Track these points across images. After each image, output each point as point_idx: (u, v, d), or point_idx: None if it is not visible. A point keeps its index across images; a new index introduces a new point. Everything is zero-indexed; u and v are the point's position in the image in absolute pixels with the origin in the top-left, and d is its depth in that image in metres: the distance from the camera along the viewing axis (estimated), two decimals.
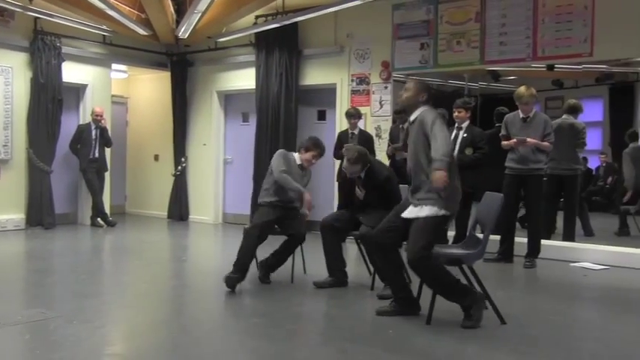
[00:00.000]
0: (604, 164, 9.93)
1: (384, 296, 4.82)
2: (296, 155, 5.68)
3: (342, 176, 7.94)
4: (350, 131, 7.98)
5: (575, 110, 7.40)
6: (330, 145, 8.43)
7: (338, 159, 8.05)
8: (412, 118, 4.38)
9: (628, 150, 8.33)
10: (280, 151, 5.75)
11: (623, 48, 6.78)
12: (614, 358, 3.65)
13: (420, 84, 4.47)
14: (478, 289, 4.31)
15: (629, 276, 6.19)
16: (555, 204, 7.39)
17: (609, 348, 3.82)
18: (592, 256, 6.76)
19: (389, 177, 5.30)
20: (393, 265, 4.48)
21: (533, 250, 6.61)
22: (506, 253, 6.72)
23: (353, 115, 7.95)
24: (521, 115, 6.59)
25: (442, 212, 4.15)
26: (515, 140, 6.48)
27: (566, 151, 7.14)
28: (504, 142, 6.64)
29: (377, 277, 5.13)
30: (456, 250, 4.51)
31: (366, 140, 7.84)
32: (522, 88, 6.59)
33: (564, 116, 7.34)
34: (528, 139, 6.40)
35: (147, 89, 11.45)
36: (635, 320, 4.54)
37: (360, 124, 8.21)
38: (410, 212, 4.26)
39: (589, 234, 7.96)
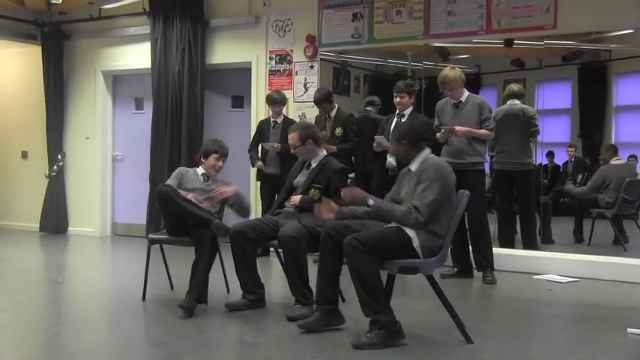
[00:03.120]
0: (573, 159, 10.26)
1: (296, 317, 4.91)
2: (199, 169, 5.98)
3: (262, 175, 8.00)
4: (272, 120, 8.05)
5: (521, 96, 7.66)
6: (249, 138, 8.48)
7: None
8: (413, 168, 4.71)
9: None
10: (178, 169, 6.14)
11: (591, 19, 7.00)
12: None
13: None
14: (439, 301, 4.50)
15: (600, 289, 6.46)
16: (510, 205, 7.63)
17: None
18: (559, 267, 6.98)
19: (344, 169, 5.66)
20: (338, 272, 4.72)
21: (486, 262, 6.68)
22: (464, 267, 6.84)
23: (277, 100, 7.99)
24: (452, 101, 6.72)
25: (414, 241, 4.43)
26: (442, 131, 6.58)
27: (518, 142, 7.36)
28: (437, 135, 6.67)
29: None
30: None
31: None
32: (446, 70, 6.68)
33: (510, 102, 7.56)
34: (457, 128, 6.47)
35: (10, 68, 11.19)
36: (604, 340, 4.74)
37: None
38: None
39: (547, 241, 8.23)
